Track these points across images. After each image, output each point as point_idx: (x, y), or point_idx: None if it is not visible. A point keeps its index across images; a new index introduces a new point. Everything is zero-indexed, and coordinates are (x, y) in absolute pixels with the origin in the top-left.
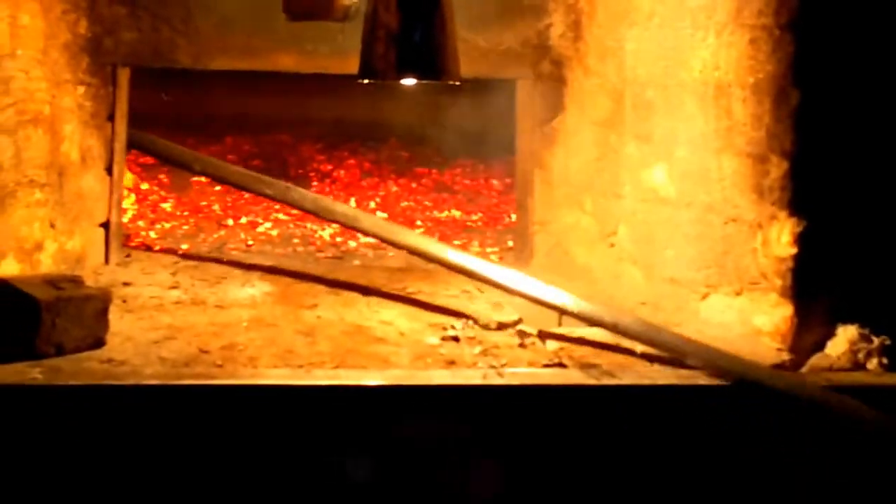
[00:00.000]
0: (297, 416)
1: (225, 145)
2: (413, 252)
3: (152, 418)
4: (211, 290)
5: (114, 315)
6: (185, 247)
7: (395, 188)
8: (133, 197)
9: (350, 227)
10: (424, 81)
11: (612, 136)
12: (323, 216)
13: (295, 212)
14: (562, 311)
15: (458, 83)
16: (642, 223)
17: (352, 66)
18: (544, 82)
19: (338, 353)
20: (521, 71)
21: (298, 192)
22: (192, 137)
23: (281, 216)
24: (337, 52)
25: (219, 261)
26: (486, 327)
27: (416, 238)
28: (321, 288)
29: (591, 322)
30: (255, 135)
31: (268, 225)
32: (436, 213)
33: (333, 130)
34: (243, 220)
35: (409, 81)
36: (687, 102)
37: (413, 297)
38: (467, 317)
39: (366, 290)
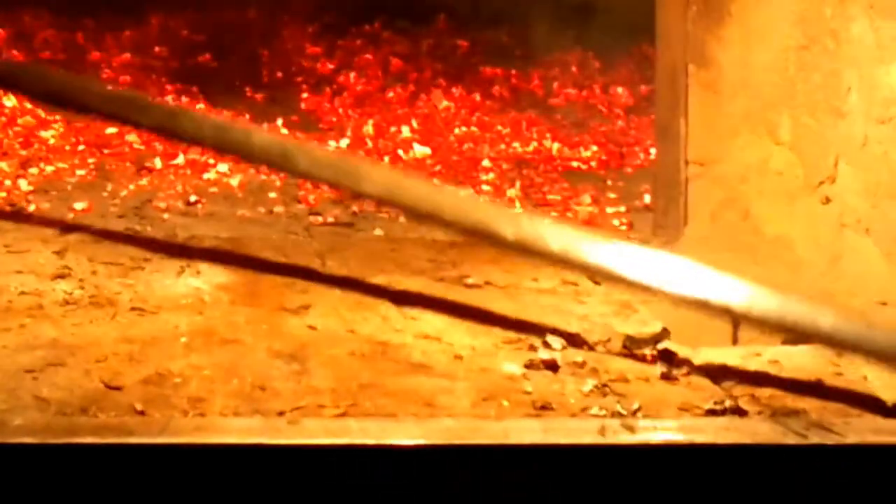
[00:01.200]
0: (272, 500)
1: (149, 30)
2: (415, 215)
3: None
4: (125, 280)
5: None
6: (80, 206)
7: (444, 102)
8: None
9: (281, 170)
10: None
11: (825, 6)
12: (234, 154)
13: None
14: (734, 316)
15: None
16: (881, 160)
17: None
18: None
19: (345, 391)
20: None
21: (190, 118)
22: (91, 17)
23: None
24: None
25: (137, 233)
26: (605, 346)
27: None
28: (317, 277)
29: (788, 331)
30: (200, 9)
31: (223, 168)
32: (516, 147)
33: (335, 3)
34: (180, 158)
35: None
36: None
37: (477, 291)
38: (570, 328)
39: (394, 281)
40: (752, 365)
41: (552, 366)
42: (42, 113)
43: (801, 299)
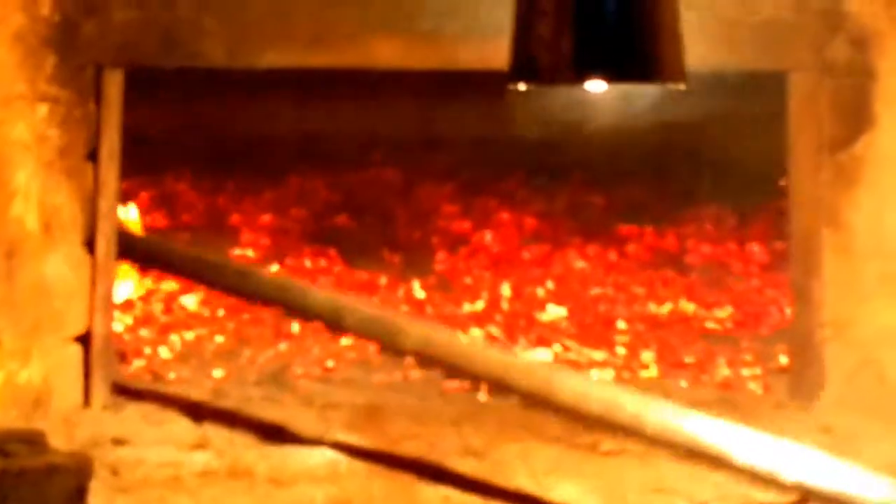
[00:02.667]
0: None
1: (288, 191)
2: (448, 368)
3: None
4: (262, 451)
5: (98, 498)
6: (218, 374)
7: (579, 263)
8: (132, 288)
9: (333, 328)
10: (623, 85)
11: None
12: (294, 311)
13: (406, 309)
14: None
15: (681, 86)
16: None
17: (497, 57)
18: (837, 77)
19: None
20: (794, 57)
21: (256, 278)
22: (234, 178)
23: None
24: (473, 32)
25: (275, 401)
26: None
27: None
28: (451, 444)
29: None
30: (338, 170)
31: None
32: (651, 308)
33: (473, 160)
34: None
35: (596, 86)
36: None
37: (611, 458)
38: (706, 496)
39: (529, 448)
40: None
41: None
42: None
43: None
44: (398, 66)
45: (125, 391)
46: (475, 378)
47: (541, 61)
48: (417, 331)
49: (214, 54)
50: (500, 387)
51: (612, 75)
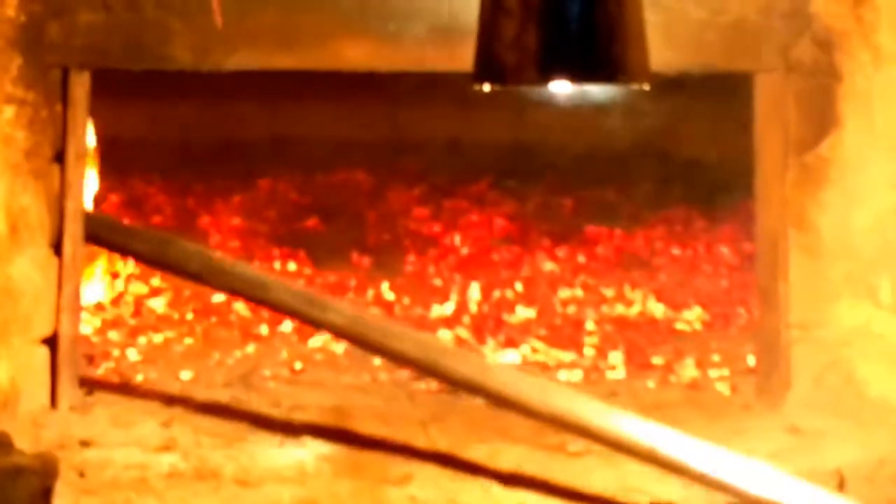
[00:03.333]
0: None
1: (257, 194)
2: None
3: None
4: (229, 452)
5: (64, 500)
6: (186, 376)
7: (548, 264)
8: (102, 289)
9: (255, 300)
10: (587, 86)
11: None
12: (217, 285)
13: (375, 311)
14: None
15: (645, 86)
16: None
17: (463, 58)
18: (803, 78)
19: None
20: (760, 59)
21: (177, 247)
22: (203, 180)
23: None
24: (439, 33)
25: (242, 403)
26: None
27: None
28: (419, 445)
29: None
30: (308, 173)
31: (327, 336)
32: (619, 309)
33: (443, 162)
34: (286, 326)
35: (560, 87)
36: None
37: (578, 459)
38: (672, 497)
39: (496, 449)
40: None
41: None
42: (154, 281)
43: None
44: (365, 68)
45: (93, 393)
46: (405, 363)
47: (506, 62)
48: (345, 307)
49: (180, 57)
50: (429, 372)
51: (577, 76)
